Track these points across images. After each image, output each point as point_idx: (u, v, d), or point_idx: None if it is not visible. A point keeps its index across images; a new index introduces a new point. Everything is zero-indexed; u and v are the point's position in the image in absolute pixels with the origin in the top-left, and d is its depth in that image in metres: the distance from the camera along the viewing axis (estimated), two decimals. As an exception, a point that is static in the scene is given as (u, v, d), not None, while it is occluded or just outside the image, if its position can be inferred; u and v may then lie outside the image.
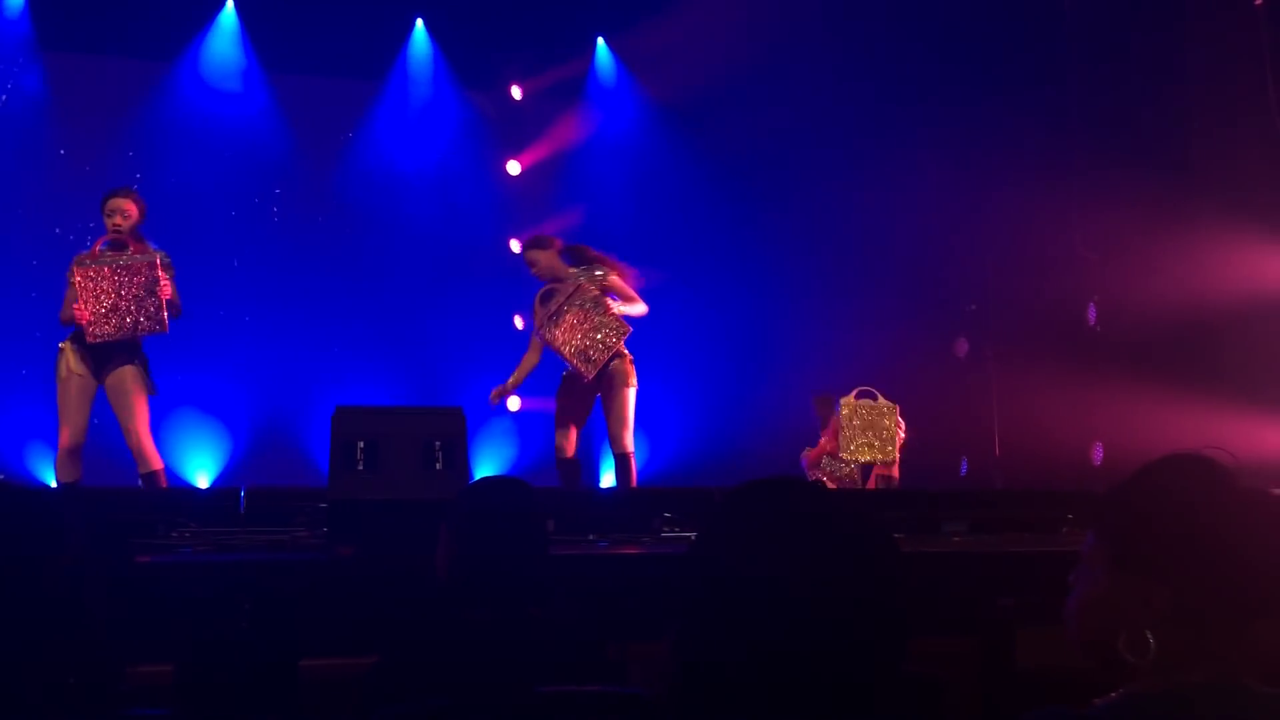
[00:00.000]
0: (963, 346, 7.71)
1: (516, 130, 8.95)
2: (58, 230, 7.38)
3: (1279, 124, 6.16)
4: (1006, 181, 7.70)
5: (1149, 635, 1.46)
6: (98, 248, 5.49)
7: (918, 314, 7.75)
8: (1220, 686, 1.44)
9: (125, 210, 5.50)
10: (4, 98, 7.86)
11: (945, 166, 7.86)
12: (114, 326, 5.33)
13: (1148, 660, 1.46)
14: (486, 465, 8.24)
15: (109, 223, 5.49)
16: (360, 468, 3.97)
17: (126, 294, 5.35)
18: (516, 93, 8.95)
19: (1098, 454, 7.07)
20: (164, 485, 5.66)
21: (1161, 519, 1.48)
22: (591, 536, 4.43)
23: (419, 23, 8.74)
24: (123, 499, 5.01)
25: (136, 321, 5.36)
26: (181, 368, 7.77)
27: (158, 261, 5.41)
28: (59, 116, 7.97)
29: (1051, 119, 7.71)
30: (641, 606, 3.27)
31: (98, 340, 5.33)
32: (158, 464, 5.56)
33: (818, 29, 7.91)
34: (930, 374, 7.48)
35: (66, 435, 5.45)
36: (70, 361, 5.45)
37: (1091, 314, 7.52)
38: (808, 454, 7.05)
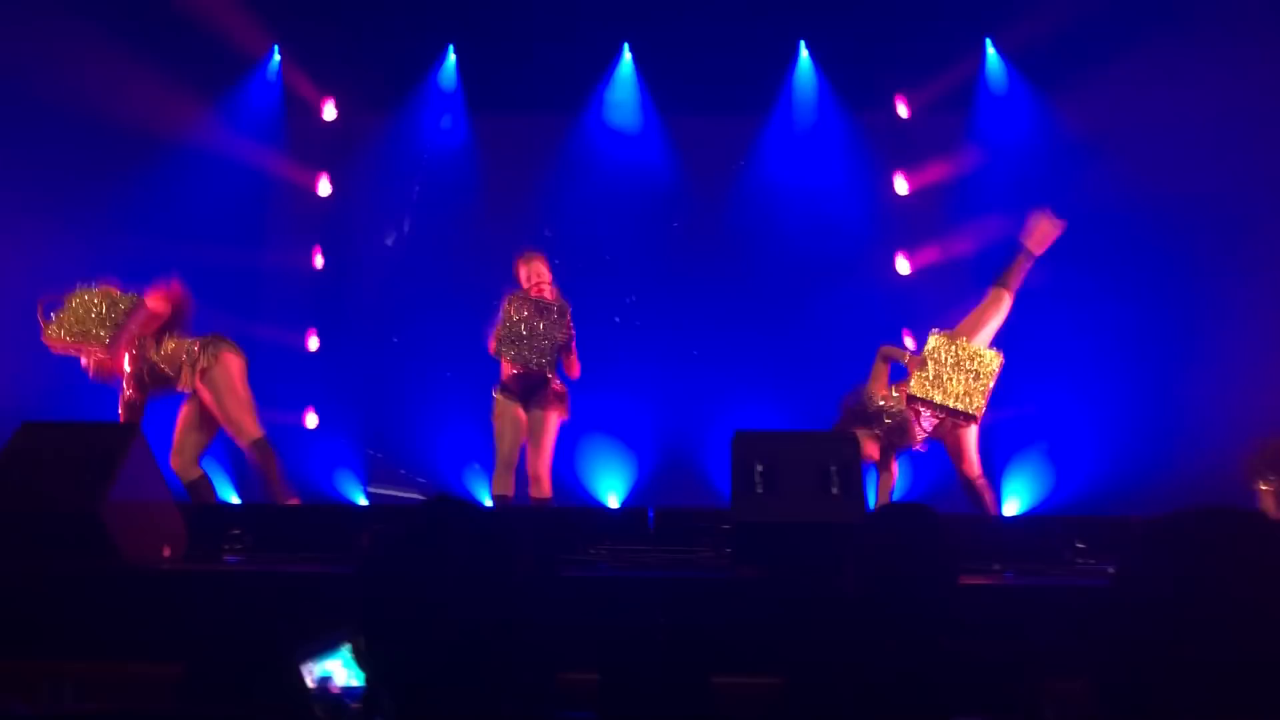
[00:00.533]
0: None
1: (904, 147, 8.85)
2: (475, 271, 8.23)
3: None
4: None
5: None
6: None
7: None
8: None
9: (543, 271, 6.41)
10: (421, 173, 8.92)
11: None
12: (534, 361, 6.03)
13: None
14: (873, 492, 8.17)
15: (532, 279, 6.34)
16: (759, 490, 4.09)
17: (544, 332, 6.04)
18: (902, 109, 8.86)
19: None
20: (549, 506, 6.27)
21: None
22: (997, 566, 4.28)
23: (802, 48, 8.89)
24: (548, 517, 5.49)
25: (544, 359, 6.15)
26: (592, 394, 8.42)
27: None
28: (483, 168, 8.91)
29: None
30: (1055, 641, 3.12)
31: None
32: (549, 491, 6.28)
33: (1228, 6, 7.20)
34: None
35: (500, 452, 6.28)
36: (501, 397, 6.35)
37: None
38: None
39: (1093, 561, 4.31)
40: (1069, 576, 4.15)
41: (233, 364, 6.07)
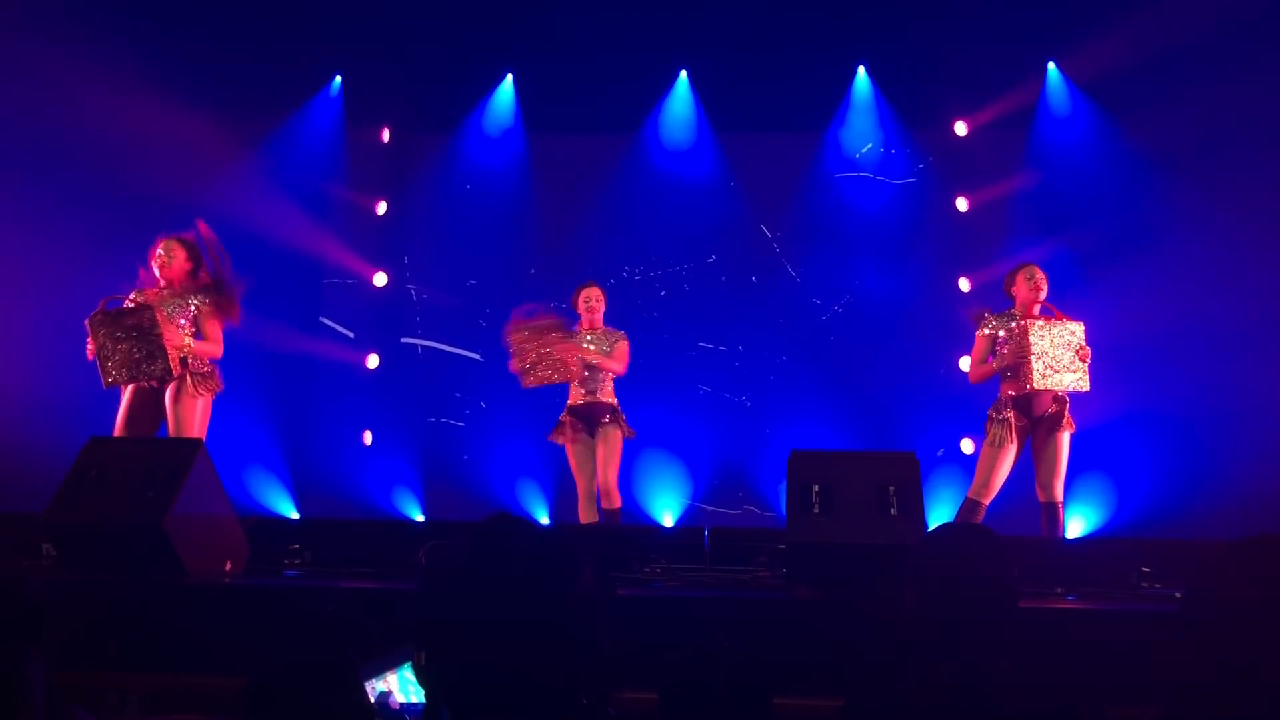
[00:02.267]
0: None
1: (963, 166, 8.78)
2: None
3: None
4: None
5: None
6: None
7: None
8: None
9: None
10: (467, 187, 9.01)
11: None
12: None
13: None
14: (938, 511, 8.08)
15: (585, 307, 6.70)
16: (815, 511, 4.07)
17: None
18: (961, 128, 8.79)
19: None
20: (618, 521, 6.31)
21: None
22: (1059, 589, 4.22)
23: (860, 70, 8.87)
24: (602, 535, 5.50)
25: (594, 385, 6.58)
26: (649, 414, 8.44)
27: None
28: (540, 188, 9.00)
29: None
30: (1119, 668, 3.07)
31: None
32: (619, 502, 6.32)
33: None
34: None
35: (580, 486, 6.52)
36: (567, 429, 6.63)
37: None
38: None
39: (1159, 586, 4.22)
40: (1134, 601, 4.07)
41: (203, 405, 5.90)
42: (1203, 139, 7.53)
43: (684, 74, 8.98)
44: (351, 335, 9.06)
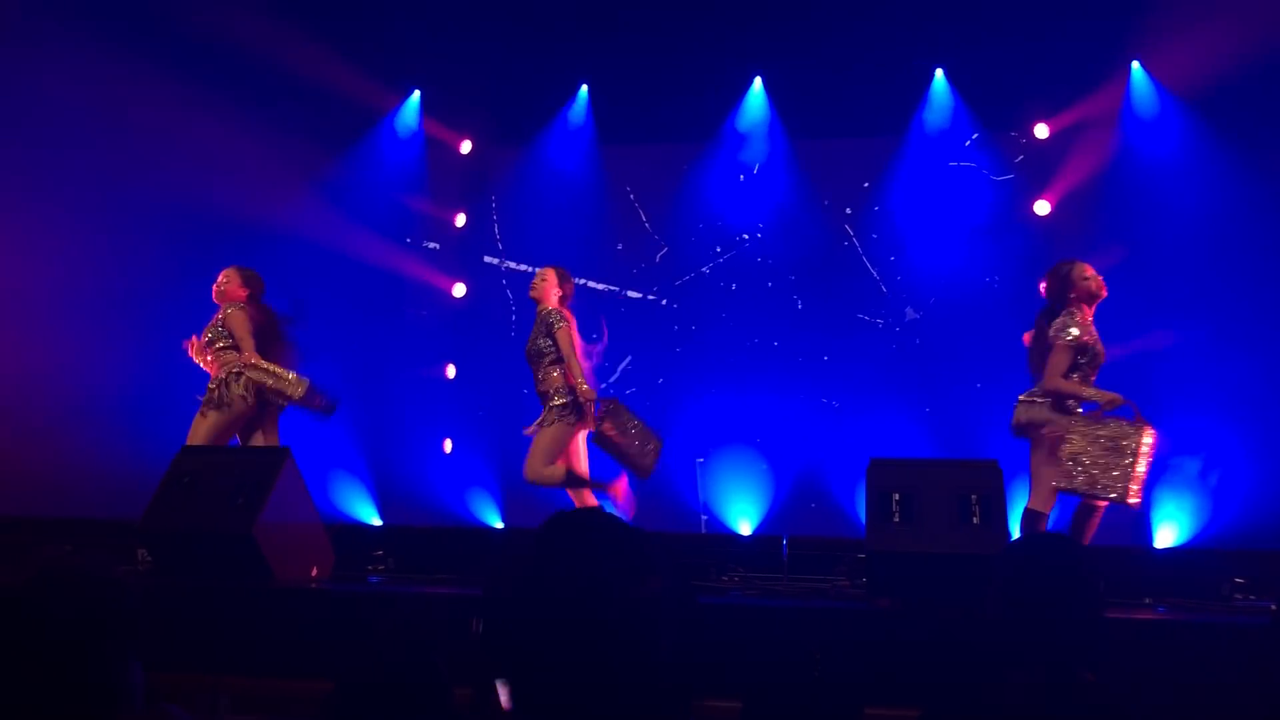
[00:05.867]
0: None
1: (1044, 169, 8.63)
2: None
3: None
4: None
5: None
6: None
7: None
8: None
9: None
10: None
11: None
12: None
13: None
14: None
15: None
16: (896, 519, 4.03)
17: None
18: (1043, 130, 8.64)
19: None
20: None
21: None
22: (1148, 600, 4.13)
23: (938, 73, 8.78)
24: (681, 543, 5.51)
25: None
26: (727, 422, 8.44)
27: None
28: (611, 198, 9.06)
29: None
30: (1210, 680, 2.99)
31: None
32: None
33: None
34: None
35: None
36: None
37: None
38: None
39: (1253, 598, 4.11)
40: (1226, 613, 3.97)
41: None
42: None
43: (759, 81, 8.97)
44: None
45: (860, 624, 3.80)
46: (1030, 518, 5.43)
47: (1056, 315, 5.52)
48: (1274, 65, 7.22)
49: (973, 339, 8.22)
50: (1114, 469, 4.85)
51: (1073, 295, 5.55)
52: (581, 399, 5.86)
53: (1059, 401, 5.34)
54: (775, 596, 4.33)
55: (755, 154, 8.96)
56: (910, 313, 8.49)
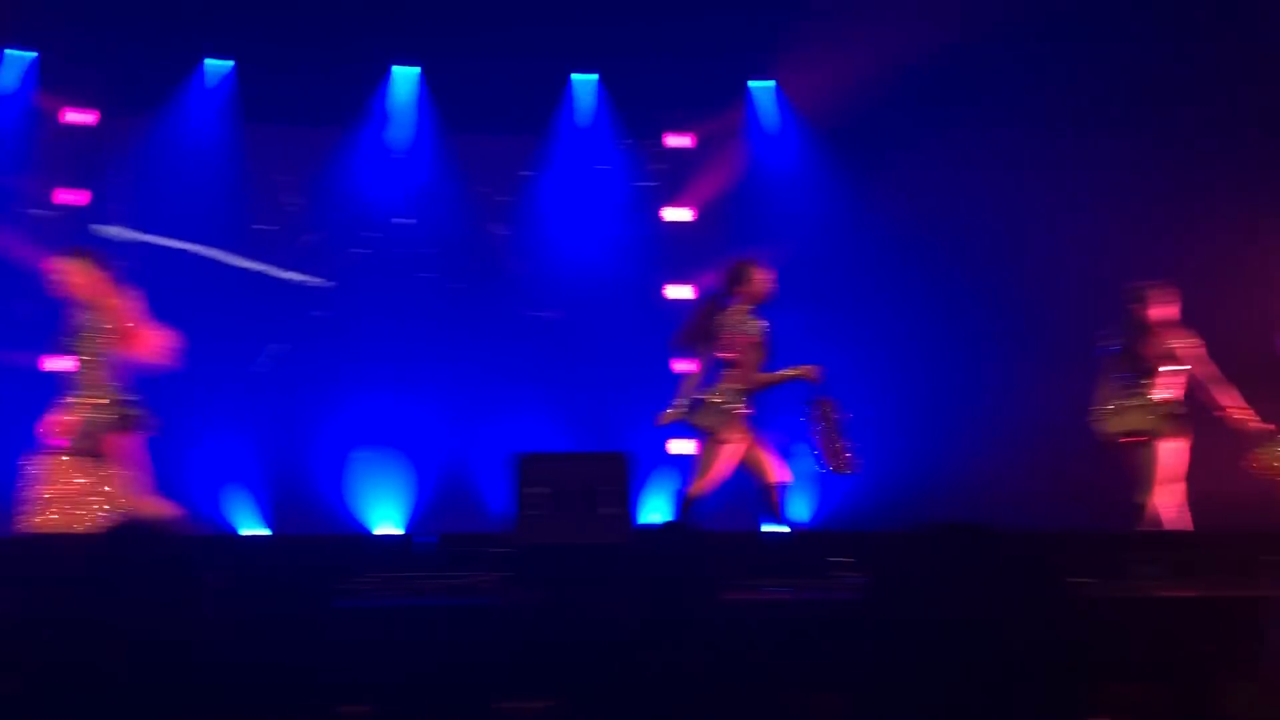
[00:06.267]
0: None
1: (681, 178, 9.09)
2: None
3: None
4: (1188, 202, 7.39)
5: None
6: None
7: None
8: None
9: None
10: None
11: (1123, 192, 7.60)
12: None
13: None
14: (659, 510, 8.32)
15: None
16: (538, 512, 4.09)
17: None
18: (680, 140, 9.11)
19: None
20: None
21: None
22: (766, 582, 4.42)
23: (586, 77, 9.01)
24: (318, 546, 5.29)
25: None
26: (365, 421, 8.21)
27: None
28: (253, 177, 8.56)
29: (1236, 134, 7.37)
30: (816, 654, 3.26)
31: None
32: None
33: (973, 56, 7.79)
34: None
35: None
36: None
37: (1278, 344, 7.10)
38: None
39: (854, 575, 4.52)
40: (829, 590, 4.34)
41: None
42: (905, 155, 8.10)
43: (412, 68, 8.82)
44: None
45: (503, 619, 3.82)
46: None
47: (724, 307, 5.90)
48: (885, 87, 7.97)
49: (612, 337, 8.53)
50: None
51: (741, 290, 5.92)
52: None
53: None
54: (420, 595, 4.26)
55: (404, 142, 8.80)
56: (549, 314, 8.65)
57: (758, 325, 5.92)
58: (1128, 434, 6.17)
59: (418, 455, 8.31)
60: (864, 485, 7.88)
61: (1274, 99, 7.35)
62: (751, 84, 9.09)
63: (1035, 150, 7.96)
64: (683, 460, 8.60)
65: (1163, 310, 6.24)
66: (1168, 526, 6.00)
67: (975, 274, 8.14)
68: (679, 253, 8.92)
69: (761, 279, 5.97)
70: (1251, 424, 5.97)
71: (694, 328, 6.00)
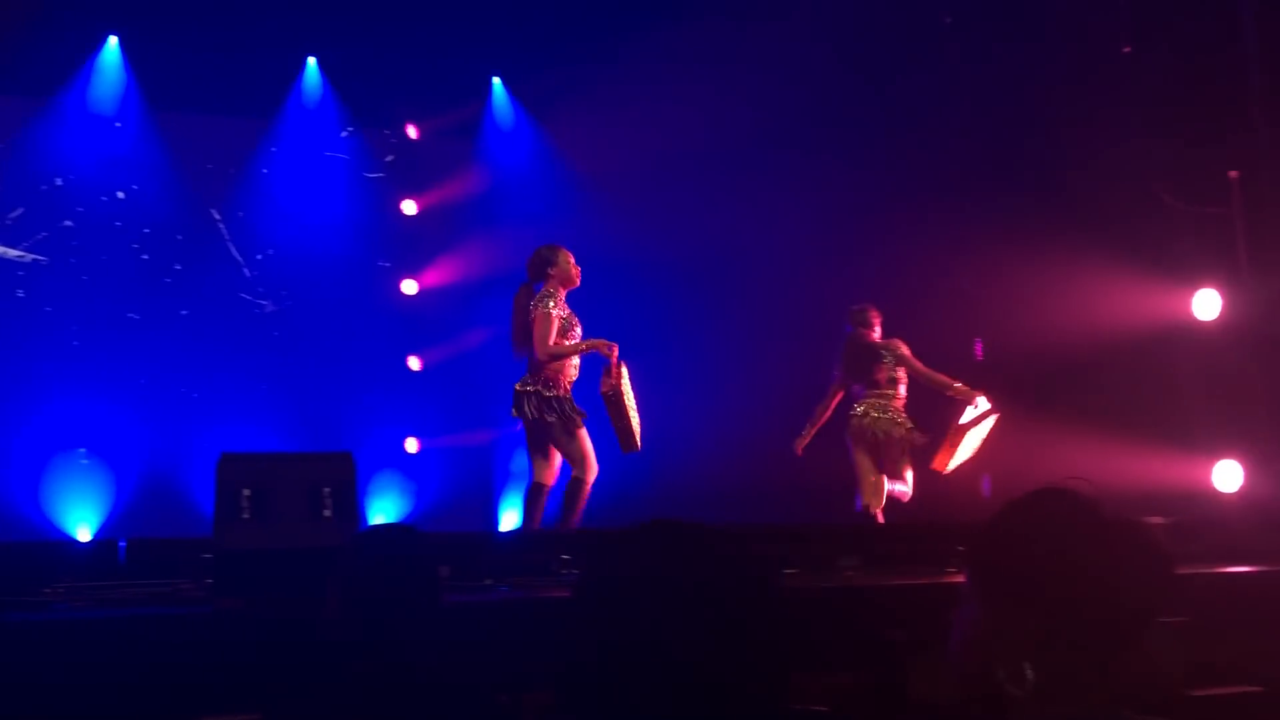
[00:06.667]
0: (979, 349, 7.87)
1: (412, 170, 8.89)
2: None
3: (1148, 162, 6.46)
4: (893, 216, 7.92)
5: (1026, 667, 1.50)
6: None
7: (809, 354, 7.85)
8: (1095, 714, 1.48)
9: None
10: None
11: (830, 206, 8.04)
12: None
13: (1027, 691, 1.50)
14: (385, 512, 8.11)
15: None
16: (247, 516, 3.87)
17: None
18: (412, 132, 8.91)
19: (986, 486, 7.26)
20: None
21: (1026, 551, 1.53)
22: (489, 581, 4.39)
23: (311, 61, 8.64)
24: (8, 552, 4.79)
25: None
26: (61, 415, 7.52)
27: None
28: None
29: (936, 154, 7.95)
30: (536, 654, 3.25)
31: None
32: None
33: (708, 69, 8.05)
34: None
35: None
36: None
37: (978, 349, 7.77)
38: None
39: (576, 573, 4.54)
40: (553, 589, 4.35)
41: None
42: (628, 153, 8.24)
43: (114, 40, 8.15)
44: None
45: (202, 629, 3.57)
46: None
47: (534, 294, 5.90)
48: (613, 88, 8.09)
49: (335, 331, 8.23)
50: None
51: (552, 273, 5.93)
52: None
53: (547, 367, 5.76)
54: (108, 606, 3.92)
55: (115, 117, 8.13)
56: (269, 305, 8.24)
57: (567, 311, 5.93)
58: (875, 438, 6.56)
59: (120, 457, 7.69)
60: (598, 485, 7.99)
61: (962, 122, 7.97)
62: (495, 81, 9.03)
63: (747, 163, 8.28)
64: (415, 461, 8.43)
65: (878, 326, 6.68)
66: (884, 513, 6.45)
67: (697, 283, 8.40)
68: (416, 246, 8.73)
69: (570, 263, 6.01)
70: (972, 392, 6.51)
71: (519, 323, 5.94)
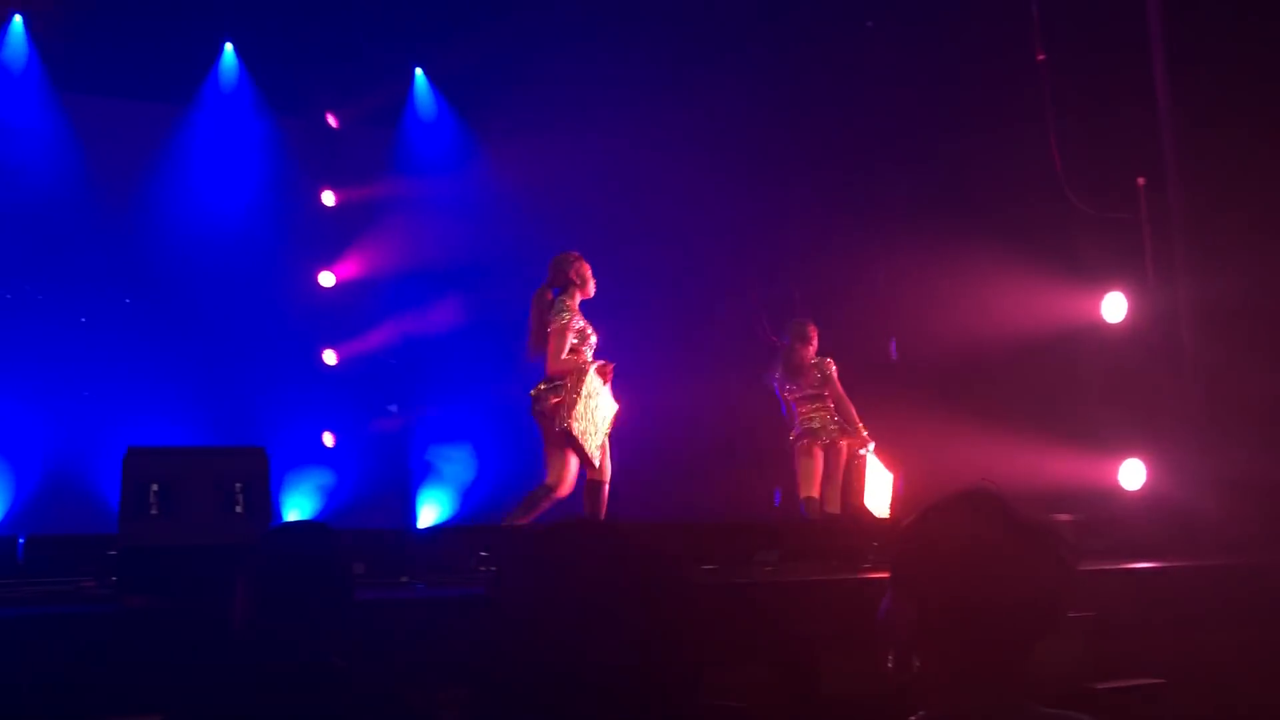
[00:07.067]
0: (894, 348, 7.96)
1: (332, 160, 8.74)
2: None
3: (1058, 167, 6.60)
4: (810, 214, 8.01)
5: (915, 656, 1.57)
6: None
7: (733, 353, 7.90)
8: (1004, 707, 1.53)
9: None
10: None
11: (749, 208, 8.11)
12: None
13: (910, 677, 1.56)
14: (300, 508, 7.96)
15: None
16: (154, 512, 3.77)
17: None
18: (332, 121, 8.76)
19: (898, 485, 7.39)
20: None
21: (942, 552, 1.57)
22: (405, 578, 4.33)
23: (228, 46, 8.44)
24: None
25: None
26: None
27: None
28: None
29: (850, 157, 8.06)
30: (451, 651, 3.21)
31: None
32: None
33: (631, 56, 8.05)
34: (747, 410, 7.64)
35: None
36: None
37: (893, 349, 7.89)
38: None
39: (494, 569, 4.51)
40: (470, 586, 4.31)
41: None
42: (548, 146, 8.20)
43: (19, 19, 7.86)
44: None
45: (106, 627, 3.47)
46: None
47: (552, 300, 5.86)
48: (539, 82, 8.04)
49: (251, 323, 8.05)
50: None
51: (574, 279, 5.91)
52: None
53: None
54: (5, 605, 3.78)
55: (16, 98, 7.84)
56: (181, 296, 8.01)
57: (583, 321, 5.91)
58: (821, 444, 6.68)
59: (20, 452, 7.43)
60: (514, 481, 7.95)
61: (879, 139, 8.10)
62: (417, 71, 8.91)
63: (674, 162, 8.29)
64: (332, 456, 8.29)
65: (815, 341, 6.83)
66: (830, 515, 6.54)
67: (622, 280, 8.38)
68: (334, 237, 8.59)
69: (589, 274, 5.99)
70: (866, 440, 6.66)
71: (536, 327, 5.90)
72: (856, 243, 7.94)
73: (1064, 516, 5.22)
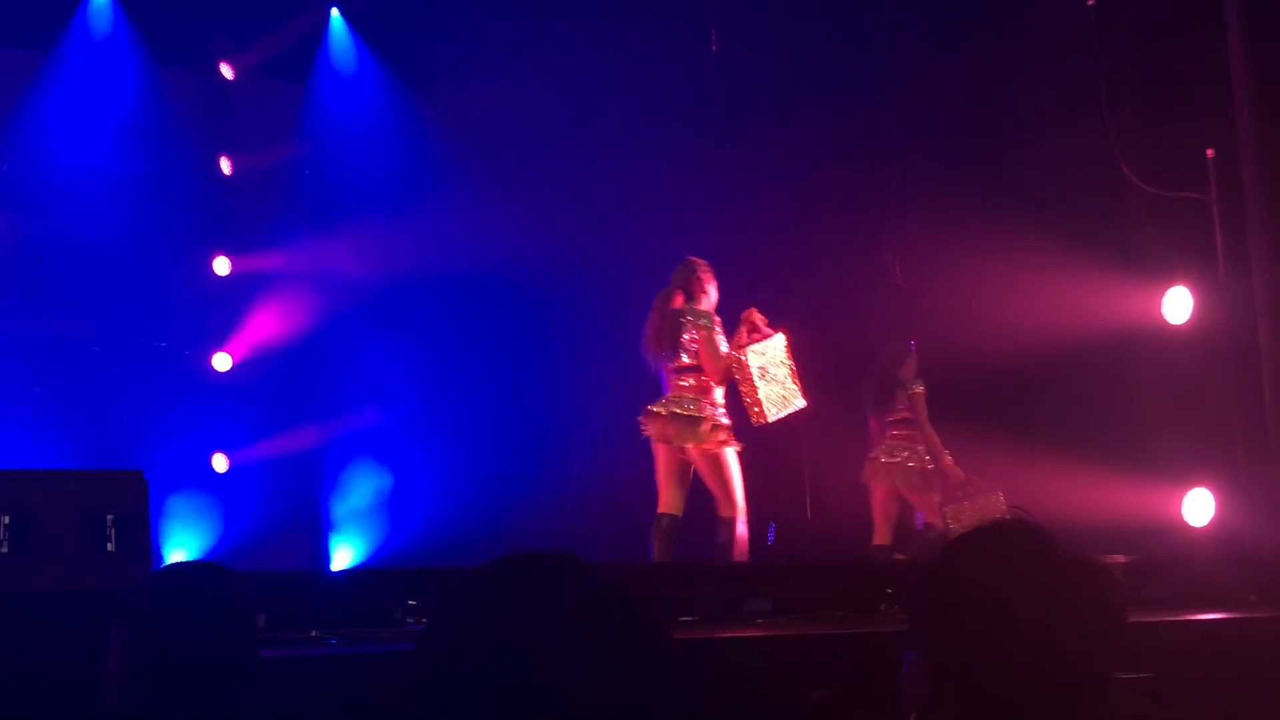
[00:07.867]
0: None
1: (228, 121, 8.71)
2: None
3: (1110, 138, 6.65)
4: (820, 204, 8.09)
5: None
6: None
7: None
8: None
9: None
10: None
11: (750, 186, 8.18)
12: None
13: None
14: (186, 546, 7.92)
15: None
16: (5, 550, 3.78)
17: None
18: (227, 72, 8.71)
19: (919, 517, 7.45)
20: None
21: (968, 599, 1.58)
22: (315, 633, 4.34)
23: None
24: None
25: None
26: None
27: None
28: None
29: (871, 138, 8.16)
30: (376, 715, 3.23)
31: None
32: None
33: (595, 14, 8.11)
34: (739, 427, 7.69)
35: None
36: None
37: (912, 350, 7.96)
38: None
39: (426, 621, 4.51)
40: (397, 641, 4.32)
41: None
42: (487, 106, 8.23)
43: None
44: None
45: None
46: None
47: (686, 308, 6.44)
48: (473, 20, 8.07)
49: (126, 320, 8.01)
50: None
51: (710, 291, 6.53)
52: None
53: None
54: None
55: None
56: (40, 286, 7.95)
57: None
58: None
59: None
60: (449, 513, 7.96)
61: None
62: (333, 11, 8.90)
63: (652, 127, 8.36)
64: (225, 482, 8.26)
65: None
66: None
67: (573, 257, 8.46)
68: (232, 214, 8.55)
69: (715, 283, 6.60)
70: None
71: (664, 333, 6.42)
72: (871, 227, 8.04)
73: (1116, 557, 5.29)
